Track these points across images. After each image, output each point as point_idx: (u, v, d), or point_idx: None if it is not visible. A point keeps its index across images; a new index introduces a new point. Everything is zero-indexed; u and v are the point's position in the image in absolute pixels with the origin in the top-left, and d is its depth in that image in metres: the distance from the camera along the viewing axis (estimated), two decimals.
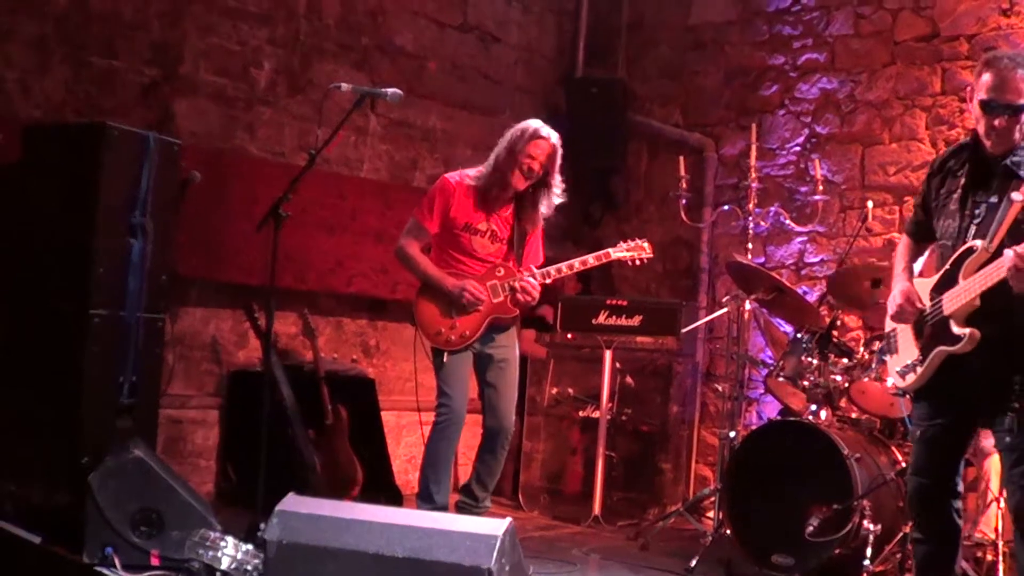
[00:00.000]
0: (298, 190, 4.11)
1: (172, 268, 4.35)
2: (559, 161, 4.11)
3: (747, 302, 5.24)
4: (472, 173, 4.18)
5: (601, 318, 5.56)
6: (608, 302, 5.62)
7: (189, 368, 5.36)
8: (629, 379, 5.94)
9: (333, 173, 5.87)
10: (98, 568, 3.43)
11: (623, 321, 5.52)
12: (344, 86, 4.19)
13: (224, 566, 3.21)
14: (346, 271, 5.94)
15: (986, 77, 2.94)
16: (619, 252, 4.33)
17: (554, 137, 4.10)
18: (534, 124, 4.09)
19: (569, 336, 5.95)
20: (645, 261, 4.36)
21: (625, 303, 5.58)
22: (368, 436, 5.49)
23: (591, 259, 4.21)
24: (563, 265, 4.19)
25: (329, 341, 5.94)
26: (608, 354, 5.62)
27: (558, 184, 4.14)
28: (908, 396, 3.45)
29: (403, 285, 5.62)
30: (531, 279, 4.01)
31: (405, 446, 6.15)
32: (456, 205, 4.16)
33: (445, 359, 4.14)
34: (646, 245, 4.38)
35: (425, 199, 4.25)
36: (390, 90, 4.14)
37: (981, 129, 3.10)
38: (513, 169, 4.03)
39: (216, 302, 5.44)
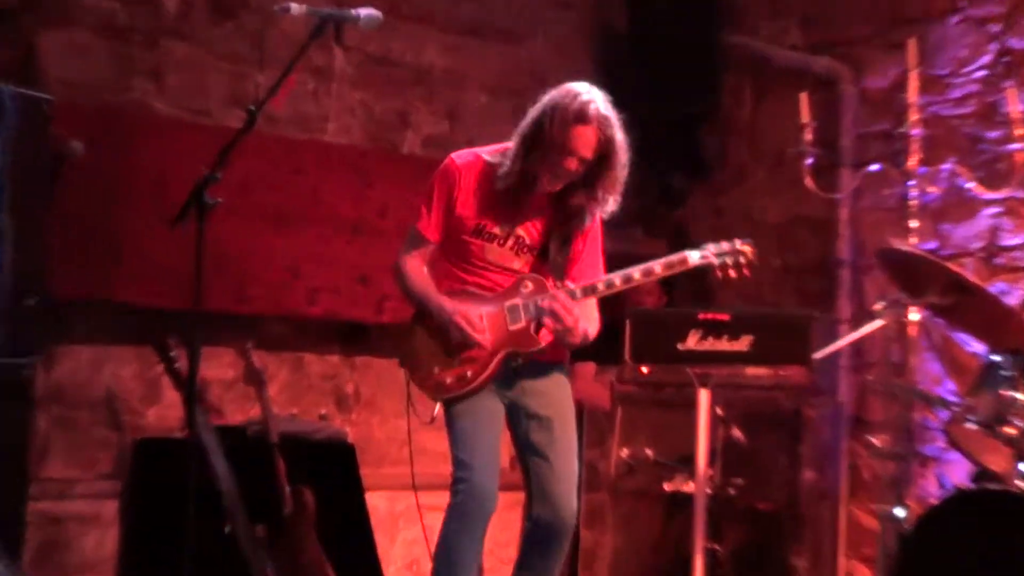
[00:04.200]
0: (232, 164, 4.11)
1: (43, 287, 4.41)
2: (619, 151, 4.09)
3: (913, 310, 5.25)
4: (490, 155, 4.17)
5: (692, 341, 5.18)
6: (701, 316, 5.22)
7: (73, 438, 5.35)
8: (737, 432, 5.91)
9: (284, 138, 5.94)
10: None
11: (725, 344, 5.20)
12: (294, 7, 4.15)
13: None
14: (307, 283, 6.02)
15: None
16: (701, 258, 4.30)
17: (605, 118, 4.07)
18: (574, 99, 4.06)
19: (644, 370, 5.90)
20: (746, 273, 4.33)
21: (727, 317, 5.23)
22: (346, 531, 5.53)
23: (657, 267, 4.19)
24: (615, 277, 4.15)
25: (286, 389, 6.02)
26: (704, 395, 5.31)
27: (615, 184, 4.15)
28: None
29: (393, 300, 5.71)
30: (562, 296, 3.98)
31: (403, 544, 6.23)
32: (464, 199, 4.20)
33: (454, 411, 4.14)
34: (746, 249, 4.33)
35: (422, 194, 4.31)
36: (363, 11, 4.19)
37: None
38: (543, 168, 4.06)
39: (112, 336, 5.45)
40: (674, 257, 4.23)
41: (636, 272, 4.12)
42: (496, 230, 4.23)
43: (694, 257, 4.24)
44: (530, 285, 4.17)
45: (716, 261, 4.23)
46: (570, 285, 4.06)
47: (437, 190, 4.23)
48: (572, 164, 4.02)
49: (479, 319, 4.05)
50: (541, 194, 4.14)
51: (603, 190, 4.11)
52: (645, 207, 7.06)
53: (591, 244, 4.30)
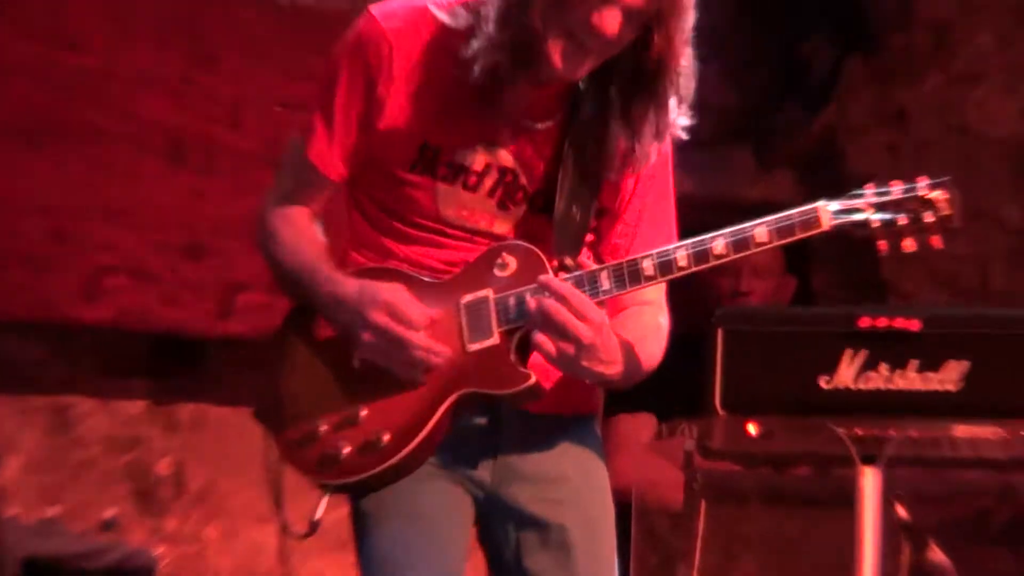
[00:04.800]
0: None
1: None
2: (684, 13, 3.01)
3: None
4: (447, 10, 3.10)
5: (846, 373, 4.01)
6: (864, 324, 4.11)
7: None
8: (937, 553, 4.56)
9: None
10: None
11: (914, 380, 4.04)
12: None
13: None
14: (83, 258, 5.08)
15: None
16: (847, 213, 3.07)
17: None
18: None
19: (751, 430, 4.34)
20: (936, 242, 3.07)
21: (916, 326, 4.09)
22: None
23: (763, 231, 3.00)
24: (681, 251, 3.02)
25: (36, 469, 5.17)
26: (871, 480, 4.21)
27: (686, 71, 3.03)
28: None
29: (253, 291, 5.09)
30: (567, 288, 2.96)
31: None
32: (398, 97, 3.11)
33: (364, 511, 3.16)
34: (940, 197, 3.10)
35: (316, 87, 3.25)
36: None
37: None
38: (552, 33, 2.97)
39: None
40: (795, 214, 3.01)
41: (721, 241, 2.97)
42: (461, 158, 3.14)
43: (832, 212, 2.99)
44: (512, 263, 3.08)
45: (879, 219, 3.00)
46: (588, 264, 3.08)
47: (345, 79, 3.14)
48: (608, 22, 2.90)
49: (421, 318, 3.06)
50: (548, 91, 3.10)
51: (666, 83, 3.01)
52: (754, 112, 6.32)
53: (649, 193, 3.24)
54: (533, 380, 3.03)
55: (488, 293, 3.06)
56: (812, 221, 3.01)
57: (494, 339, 3.05)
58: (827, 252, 5.92)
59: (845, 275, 6.16)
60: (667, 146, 3.20)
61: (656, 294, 3.17)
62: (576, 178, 3.18)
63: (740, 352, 4.03)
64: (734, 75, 5.64)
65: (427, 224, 3.18)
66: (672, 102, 3.11)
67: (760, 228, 2.99)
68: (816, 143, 6.41)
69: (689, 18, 3.09)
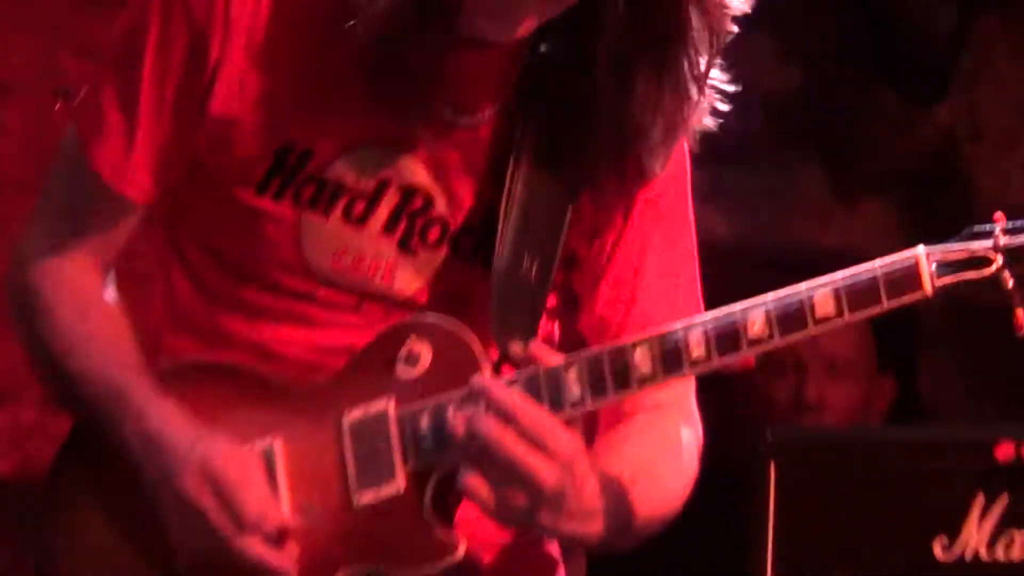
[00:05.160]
0: None
1: None
2: None
3: None
4: None
5: (976, 533, 3.64)
6: (1004, 451, 3.65)
7: None
8: None
9: None
10: None
11: None
12: None
13: None
14: None
15: None
16: (963, 263, 2.50)
17: None
18: None
19: None
20: None
21: None
22: None
23: (820, 299, 2.58)
24: (698, 329, 2.58)
25: None
26: None
27: (711, 32, 2.59)
28: None
29: (14, 400, 4.78)
30: (512, 396, 2.48)
31: None
32: (238, 64, 2.65)
33: None
34: None
35: (116, 43, 2.73)
36: None
37: None
38: None
39: None
40: (880, 268, 2.49)
41: (761, 314, 2.49)
42: (340, 170, 2.67)
43: (937, 264, 2.49)
44: (424, 354, 2.65)
45: (1015, 275, 2.47)
46: (549, 352, 2.53)
47: (154, 37, 2.64)
48: None
49: (259, 516, 2.56)
50: (482, 59, 2.66)
51: (681, 42, 2.59)
52: (827, 107, 5.52)
53: (654, 230, 2.78)
54: (462, 551, 2.51)
55: (387, 406, 2.53)
56: (906, 279, 2.38)
57: (397, 484, 2.53)
58: (943, 335, 5.13)
59: (972, 372, 5.27)
60: (683, 154, 2.67)
61: (677, 392, 2.63)
62: (529, 205, 2.61)
63: (804, 498, 3.58)
64: (795, 46, 5.12)
65: (286, 283, 2.62)
66: (690, 77, 2.54)
67: (822, 292, 2.38)
68: (925, 156, 5.42)
69: None
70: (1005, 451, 3.49)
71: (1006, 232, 2.34)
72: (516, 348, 2.49)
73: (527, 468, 2.35)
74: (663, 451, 2.64)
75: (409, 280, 2.59)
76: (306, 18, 2.55)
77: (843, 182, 5.34)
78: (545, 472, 2.34)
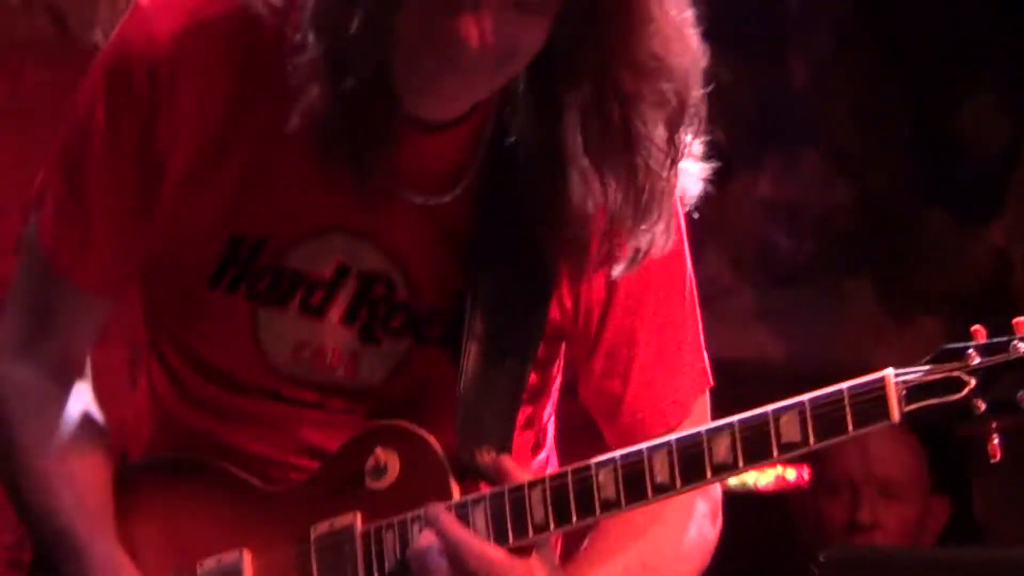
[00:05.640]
0: None
1: None
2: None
3: None
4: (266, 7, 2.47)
5: None
6: None
7: None
8: None
9: None
10: None
11: None
12: None
13: None
14: None
15: None
16: (932, 386, 2.25)
17: None
18: None
19: None
20: None
21: None
22: None
23: (786, 426, 2.38)
24: (663, 451, 2.43)
25: None
26: None
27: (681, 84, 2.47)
28: None
29: None
30: (455, 531, 2.37)
31: None
32: (185, 148, 2.50)
33: None
34: None
35: (68, 128, 2.60)
36: None
37: None
38: (409, 42, 2.35)
39: None
40: (848, 390, 2.26)
41: (726, 441, 2.32)
42: (296, 259, 2.50)
43: (906, 388, 2.23)
44: (391, 465, 2.46)
45: (986, 400, 2.19)
46: (517, 476, 2.37)
47: (101, 121, 2.50)
48: (473, 26, 2.28)
49: None
50: (435, 139, 2.46)
51: (644, 105, 2.41)
52: (876, 223, 5.46)
53: (644, 299, 2.58)
54: None
55: (354, 520, 2.39)
56: (872, 405, 2.17)
57: None
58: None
59: None
60: (675, 213, 2.47)
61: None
62: (498, 292, 2.45)
63: None
64: (846, 165, 4.95)
65: (248, 380, 2.50)
66: (657, 149, 2.37)
67: (787, 417, 2.18)
68: (978, 275, 5.40)
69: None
70: None
71: (981, 351, 2.13)
72: (485, 457, 2.38)
73: None
74: (659, 558, 2.49)
75: (373, 371, 2.48)
76: (254, 105, 2.46)
77: (896, 301, 5.31)
78: None
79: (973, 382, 2.09)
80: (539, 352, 2.46)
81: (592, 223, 2.37)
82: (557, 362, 2.54)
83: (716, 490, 2.52)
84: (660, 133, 2.35)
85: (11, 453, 2.54)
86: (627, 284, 2.46)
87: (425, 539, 2.28)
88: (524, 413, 2.47)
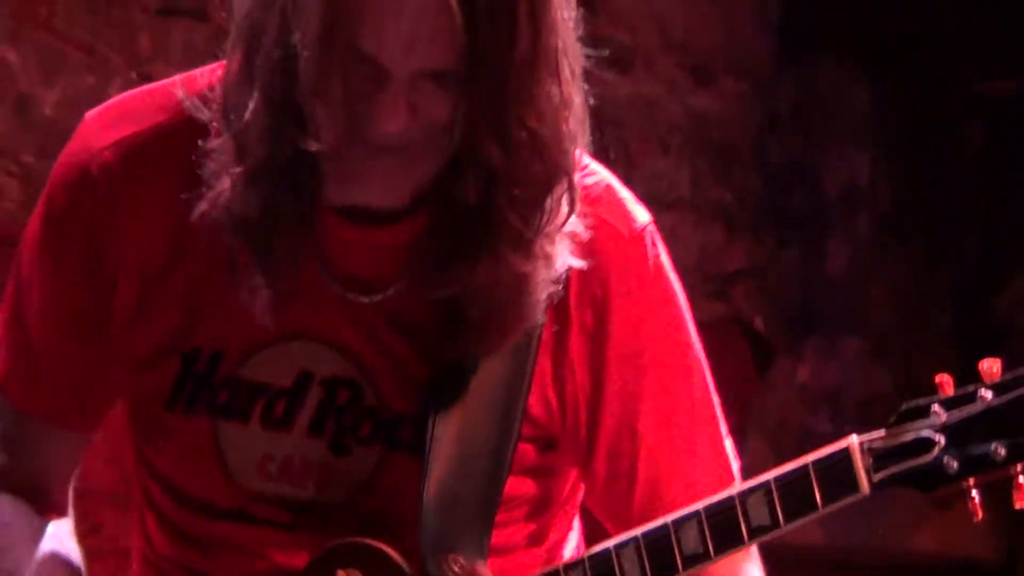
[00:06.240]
0: None
1: None
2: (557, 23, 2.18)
3: None
4: (201, 107, 2.26)
5: None
6: None
7: None
8: None
9: None
10: None
11: None
12: None
13: None
14: None
15: None
16: (902, 450, 2.08)
17: None
18: None
19: None
20: None
21: None
22: None
23: (754, 508, 2.22)
24: (631, 547, 2.21)
25: None
26: None
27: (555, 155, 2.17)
28: None
29: None
30: None
31: None
32: (132, 264, 2.34)
33: None
34: None
35: (19, 250, 2.48)
36: None
37: None
38: (329, 130, 2.13)
39: None
40: (815, 462, 2.08)
41: (693, 532, 2.14)
42: (254, 369, 2.31)
43: (873, 457, 2.03)
44: None
45: (957, 458, 2.01)
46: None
47: (48, 244, 2.38)
48: (393, 112, 2.08)
49: None
50: (369, 232, 2.26)
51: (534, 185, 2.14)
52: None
53: (641, 389, 2.26)
54: None
55: None
56: (840, 476, 2.01)
57: None
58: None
59: None
60: (663, 288, 2.26)
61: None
62: (465, 390, 2.24)
63: None
64: (885, 349, 4.91)
65: (217, 503, 2.34)
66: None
67: (754, 498, 2.04)
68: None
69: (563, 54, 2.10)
70: None
71: (946, 405, 1.95)
72: (455, 567, 2.18)
73: None
74: None
75: (344, 484, 2.30)
76: (188, 220, 2.24)
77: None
78: None
79: (943, 440, 1.94)
80: (531, 458, 2.25)
81: (528, 307, 2.16)
82: (564, 473, 2.31)
83: None
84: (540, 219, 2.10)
85: None
86: (618, 377, 2.25)
87: None
88: (526, 529, 2.28)
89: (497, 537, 2.19)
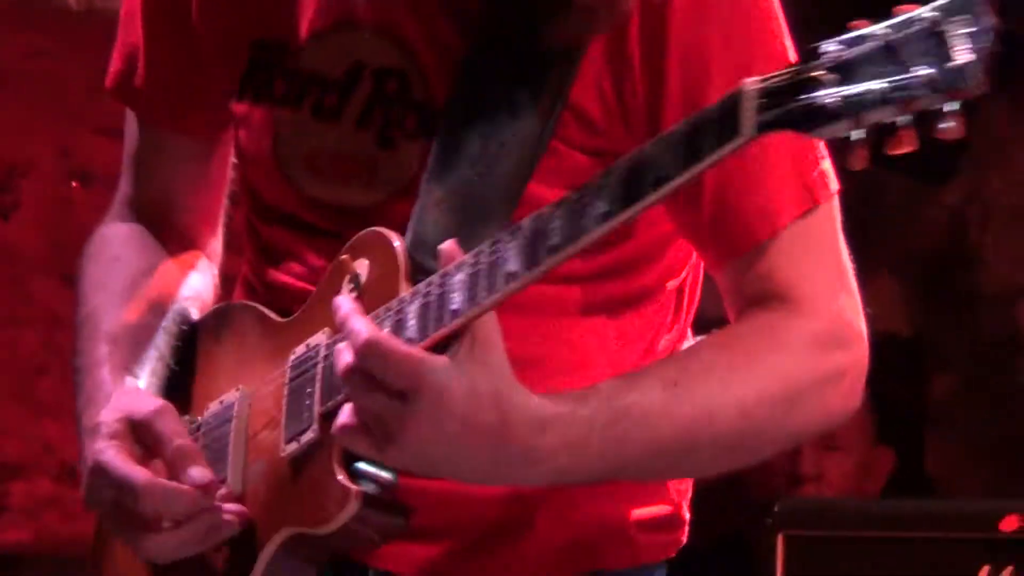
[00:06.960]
0: None
1: None
2: None
3: None
4: None
5: None
6: (1009, 524, 3.69)
7: None
8: None
9: None
10: None
11: None
12: None
13: None
14: None
15: None
16: (794, 87, 1.81)
17: None
18: None
19: None
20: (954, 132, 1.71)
21: None
22: None
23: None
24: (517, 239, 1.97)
25: None
26: None
27: None
28: None
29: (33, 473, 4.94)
30: (361, 325, 1.97)
31: None
32: None
33: None
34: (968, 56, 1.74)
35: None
36: None
37: None
38: None
39: None
40: (702, 115, 1.83)
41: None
42: (310, 59, 2.32)
43: (760, 98, 1.74)
44: (363, 271, 2.21)
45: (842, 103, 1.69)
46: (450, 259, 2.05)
47: None
48: None
49: (140, 475, 2.16)
50: None
51: None
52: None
53: (709, 36, 2.14)
54: (354, 507, 2.02)
55: (321, 340, 2.14)
56: (722, 120, 1.81)
57: (313, 430, 2.11)
58: (949, 403, 4.97)
59: (978, 448, 5.11)
60: None
61: (803, 288, 2.05)
62: (508, 69, 2.16)
63: (811, 569, 3.60)
64: None
65: (273, 204, 2.35)
66: None
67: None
68: (934, 235, 5.47)
69: None
70: (1011, 523, 3.48)
71: (842, 44, 1.74)
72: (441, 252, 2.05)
73: (357, 399, 1.98)
74: (703, 375, 2.00)
75: (391, 184, 2.26)
76: None
77: (853, 260, 5.24)
78: (371, 403, 1.96)
79: (830, 77, 1.74)
80: (581, 161, 2.11)
81: None
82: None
83: (831, 312, 2.08)
84: None
85: (79, 302, 2.46)
86: (683, 72, 2.12)
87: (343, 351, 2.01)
88: (603, 292, 2.11)
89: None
